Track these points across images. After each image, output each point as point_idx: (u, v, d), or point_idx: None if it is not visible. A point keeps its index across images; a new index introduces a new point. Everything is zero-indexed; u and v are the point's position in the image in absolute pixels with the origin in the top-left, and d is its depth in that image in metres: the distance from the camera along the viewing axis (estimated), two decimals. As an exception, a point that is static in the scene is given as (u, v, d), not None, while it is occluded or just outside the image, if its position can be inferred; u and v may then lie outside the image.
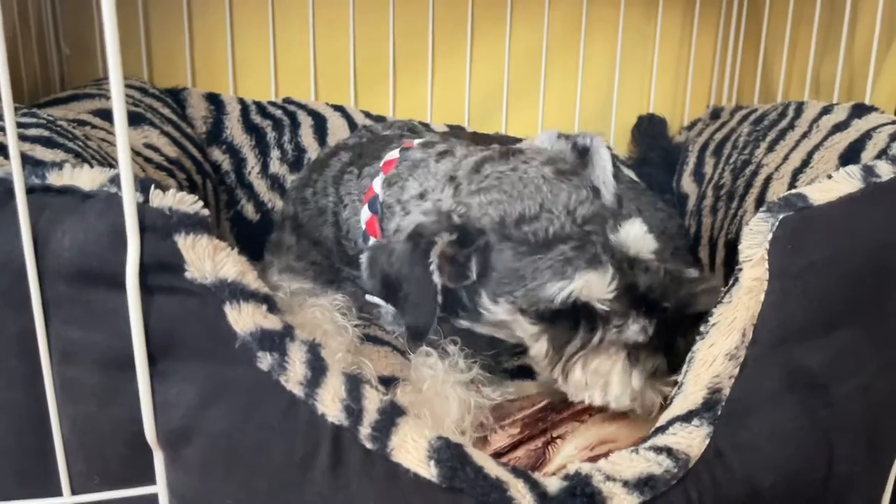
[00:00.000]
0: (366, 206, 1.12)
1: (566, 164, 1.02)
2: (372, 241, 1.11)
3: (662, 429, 0.78)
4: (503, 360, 1.15)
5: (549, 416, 0.99)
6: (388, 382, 1.05)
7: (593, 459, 0.82)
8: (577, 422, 0.98)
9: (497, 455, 0.94)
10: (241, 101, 1.65)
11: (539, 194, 0.95)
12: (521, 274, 0.93)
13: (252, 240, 1.53)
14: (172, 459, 0.74)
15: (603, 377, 0.92)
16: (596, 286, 0.91)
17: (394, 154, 1.15)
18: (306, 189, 1.28)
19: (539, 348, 0.97)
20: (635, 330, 0.92)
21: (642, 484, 0.72)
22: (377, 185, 1.12)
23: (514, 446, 0.96)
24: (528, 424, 0.98)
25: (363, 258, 1.03)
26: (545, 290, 0.91)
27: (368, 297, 1.18)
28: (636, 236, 0.95)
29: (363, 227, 1.13)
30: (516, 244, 0.93)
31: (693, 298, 0.90)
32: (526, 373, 1.13)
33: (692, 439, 0.76)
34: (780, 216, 0.79)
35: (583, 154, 1.08)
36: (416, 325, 0.97)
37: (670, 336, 0.91)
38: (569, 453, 0.93)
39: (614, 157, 1.12)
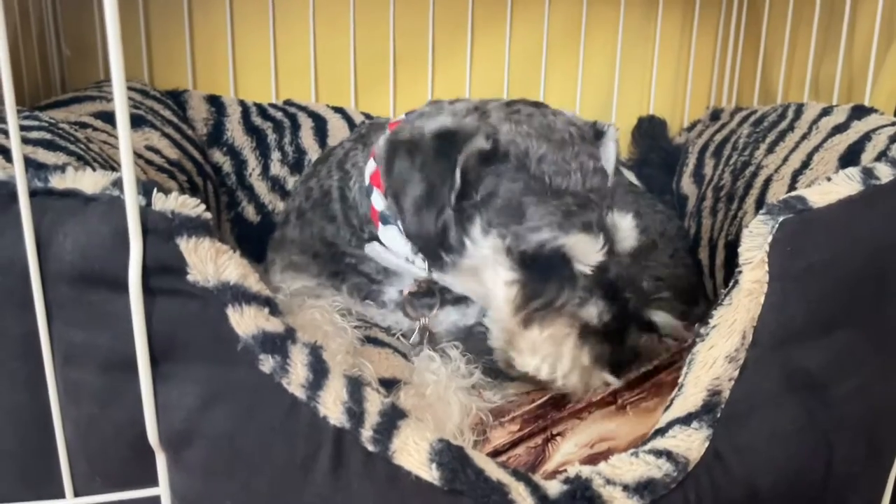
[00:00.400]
0: (371, 160, 1.10)
1: (586, 131, 1.05)
2: (375, 192, 1.08)
3: (662, 431, 0.79)
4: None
5: (548, 414, 1.00)
6: (388, 384, 1.05)
7: (593, 457, 0.82)
8: (576, 419, 0.98)
9: (497, 452, 0.94)
10: (242, 103, 1.66)
11: (564, 146, 0.97)
12: (523, 210, 0.94)
13: (253, 241, 1.53)
14: (174, 461, 0.74)
15: (555, 346, 0.94)
16: (587, 248, 0.93)
17: (400, 118, 1.15)
18: (310, 180, 1.29)
19: (508, 294, 0.97)
20: (592, 312, 0.95)
21: (642, 488, 0.73)
22: (382, 141, 1.09)
23: (514, 444, 0.96)
24: (528, 421, 0.99)
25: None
26: (539, 234, 0.93)
27: (373, 251, 1.13)
28: (623, 228, 0.97)
29: (367, 181, 1.11)
30: (531, 179, 0.94)
31: (648, 303, 0.92)
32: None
33: (691, 442, 0.76)
34: (780, 218, 0.79)
35: (598, 136, 1.09)
36: (418, 231, 0.96)
37: (622, 331, 0.95)
38: (569, 450, 0.94)
39: (618, 157, 1.13)
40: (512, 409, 1.02)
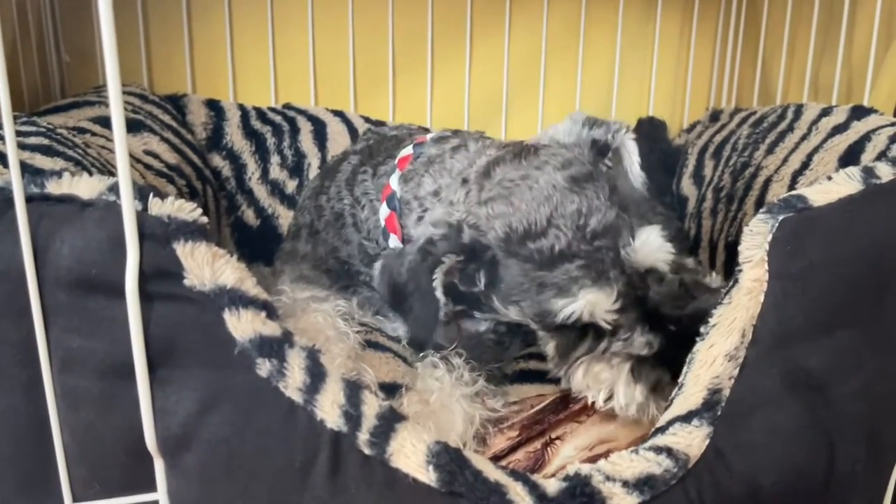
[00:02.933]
0: (384, 203, 1.12)
1: (582, 168, 0.98)
2: (392, 238, 1.11)
3: (662, 429, 0.79)
4: (506, 367, 1.15)
5: (546, 418, 1.00)
6: (389, 389, 1.05)
7: (593, 459, 0.82)
8: (575, 422, 0.98)
9: (496, 458, 0.94)
10: (241, 107, 1.66)
11: (548, 205, 0.93)
12: (527, 288, 0.94)
13: (252, 245, 1.54)
14: (172, 466, 0.74)
15: (605, 384, 0.93)
16: (600, 305, 0.91)
17: (408, 150, 1.15)
18: (320, 196, 1.29)
19: (548, 351, 1.00)
20: (641, 343, 0.93)
21: (642, 484, 0.73)
22: (394, 181, 1.12)
23: (513, 449, 0.96)
24: (527, 427, 0.98)
25: (377, 266, 1.03)
26: (550, 305, 0.92)
27: None
28: (650, 248, 0.94)
29: (383, 224, 1.12)
30: (521, 261, 0.93)
31: (705, 313, 0.89)
32: (526, 377, 1.14)
33: (692, 439, 0.76)
34: (780, 217, 0.79)
35: (603, 152, 1.07)
36: (416, 337, 0.99)
37: (677, 350, 0.90)
38: (568, 454, 0.93)
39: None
40: (510, 416, 1.02)
